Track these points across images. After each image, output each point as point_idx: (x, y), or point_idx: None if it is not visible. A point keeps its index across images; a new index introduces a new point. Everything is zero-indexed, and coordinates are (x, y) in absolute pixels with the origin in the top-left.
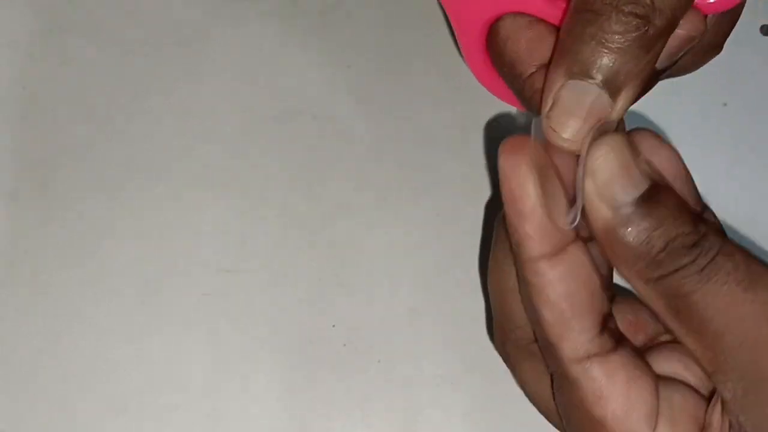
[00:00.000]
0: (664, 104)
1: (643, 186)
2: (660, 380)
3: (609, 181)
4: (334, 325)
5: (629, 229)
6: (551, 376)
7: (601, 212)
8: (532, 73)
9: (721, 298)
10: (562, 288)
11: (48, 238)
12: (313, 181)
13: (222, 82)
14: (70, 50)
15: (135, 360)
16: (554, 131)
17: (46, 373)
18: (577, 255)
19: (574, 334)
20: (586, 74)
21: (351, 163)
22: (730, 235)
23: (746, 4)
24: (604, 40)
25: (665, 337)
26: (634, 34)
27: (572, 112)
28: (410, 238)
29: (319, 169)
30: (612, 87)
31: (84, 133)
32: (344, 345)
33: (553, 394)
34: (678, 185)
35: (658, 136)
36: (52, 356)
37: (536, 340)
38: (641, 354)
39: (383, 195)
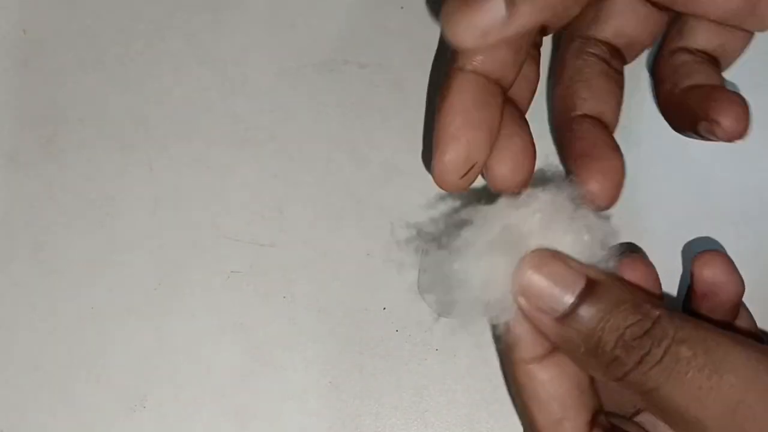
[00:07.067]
0: None
1: (579, 285)
2: None
3: (541, 294)
4: (385, 308)
5: (576, 333)
6: None
7: (545, 323)
8: None
9: (688, 388)
10: (552, 389)
11: (52, 206)
12: (360, 140)
13: (254, 25)
14: None
15: (153, 349)
16: (451, 28)
17: (51, 365)
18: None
19: None
20: None
21: (403, 119)
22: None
23: None
24: None
25: None
26: None
27: (468, 10)
28: None
29: (366, 125)
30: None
31: (94, 84)
32: (397, 331)
33: None
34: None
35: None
36: (58, 345)
37: None
38: None
39: None
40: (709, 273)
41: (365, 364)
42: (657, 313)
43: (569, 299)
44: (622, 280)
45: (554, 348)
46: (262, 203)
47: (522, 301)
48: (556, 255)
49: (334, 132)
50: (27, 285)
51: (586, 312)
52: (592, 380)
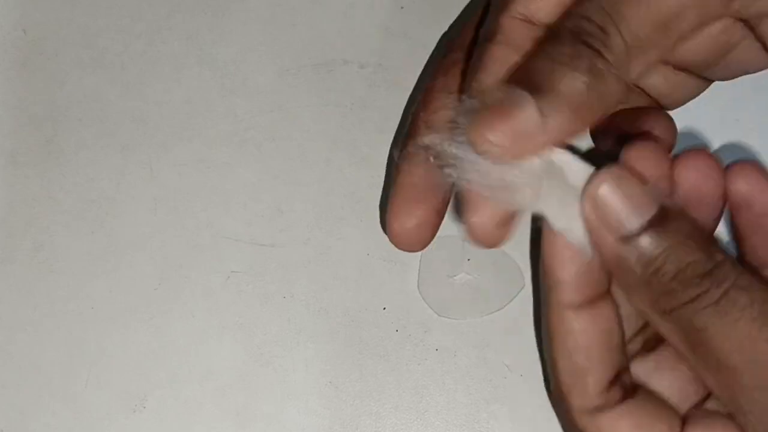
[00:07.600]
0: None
1: (650, 212)
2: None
3: (611, 210)
4: (385, 308)
5: (637, 256)
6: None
7: (606, 241)
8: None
9: (736, 335)
10: (582, 340)
11: (52, 206)
12: (360, 140)
13: (254, 25)
14: None
15: (153, 349)
16: (480, 130)
17: (51, 365)
18: (605, 310)
19: (585, 388)
20: (520, 82)
21: (403, 119)
22: None
23: None
24: (553, 59)
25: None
26: (582, 61)
27: (502, 117)
28: None
29: (366, 125)
30: (544, 104)
31: (94, 84)
32: (397, 330)
33: None
34: (704, 209)
35: (708, 154)
36: (58, 345)
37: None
38: (661, 402)
39: None
40: (743, 185)
41: (365, 364)
42: (721, 256)
43: (638, 221)
44: (693, 218)
45: (593, 299)
46: (262, 203)
47: (589, 211)
48: (635, 176)
49: (334, 132)
50: (27, 285)
51: (652, 237)
52: (623, 339)
